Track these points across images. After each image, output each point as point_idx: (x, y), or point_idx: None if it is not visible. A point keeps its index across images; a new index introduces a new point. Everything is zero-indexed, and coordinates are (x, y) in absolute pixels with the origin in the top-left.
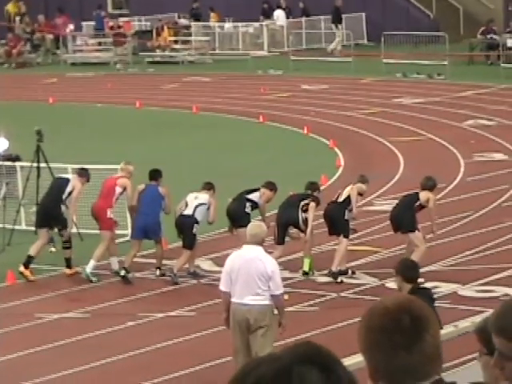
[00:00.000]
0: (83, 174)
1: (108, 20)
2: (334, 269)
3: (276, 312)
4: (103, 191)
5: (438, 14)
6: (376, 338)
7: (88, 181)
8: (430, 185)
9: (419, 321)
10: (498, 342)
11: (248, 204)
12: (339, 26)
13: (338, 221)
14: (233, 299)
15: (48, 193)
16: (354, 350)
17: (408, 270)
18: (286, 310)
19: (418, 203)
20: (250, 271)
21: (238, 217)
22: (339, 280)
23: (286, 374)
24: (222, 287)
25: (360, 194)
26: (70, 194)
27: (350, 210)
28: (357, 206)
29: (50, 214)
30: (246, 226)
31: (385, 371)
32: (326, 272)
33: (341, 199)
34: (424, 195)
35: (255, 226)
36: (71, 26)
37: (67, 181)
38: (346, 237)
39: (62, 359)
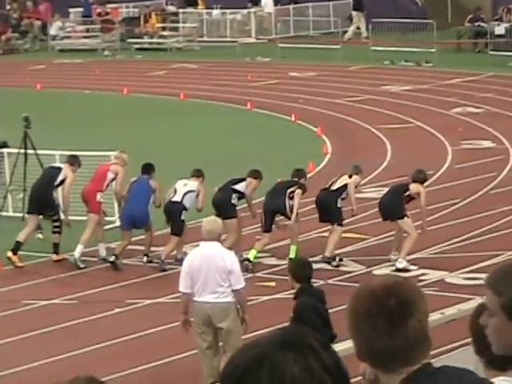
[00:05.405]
0: (73, 161)
1: (96, 6)
2: (327, 254)
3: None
4: (95, 176)
5: (426, 1)
6: (360, 321)
7: (79, 166)
8: (420, 177)
9: (405, 305)
10: (486, 295)
11: (234, 195)
12: (359, 14)
13: (329, 208)
14: (195, 298)
15: (40, 179)
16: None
17: (297, 269)
18: (272, 297)
19: (407, 193)
20: (211, 268)
21: (223, 208)
22: (335, 264)
23: (259, 361)
24: (182, 288)
25: (355, 186)
26: (62, 182)
27: (343, 199)
28: (355, 200)
29: (42, 199)
30: (232, 217)
31: (368, 353)
32: (317, 259)
33: (334, 187)
34: (415, 187)
35: (210, 221)
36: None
37: (60, 169)
38: (340, 225)
39: (50, 346)
